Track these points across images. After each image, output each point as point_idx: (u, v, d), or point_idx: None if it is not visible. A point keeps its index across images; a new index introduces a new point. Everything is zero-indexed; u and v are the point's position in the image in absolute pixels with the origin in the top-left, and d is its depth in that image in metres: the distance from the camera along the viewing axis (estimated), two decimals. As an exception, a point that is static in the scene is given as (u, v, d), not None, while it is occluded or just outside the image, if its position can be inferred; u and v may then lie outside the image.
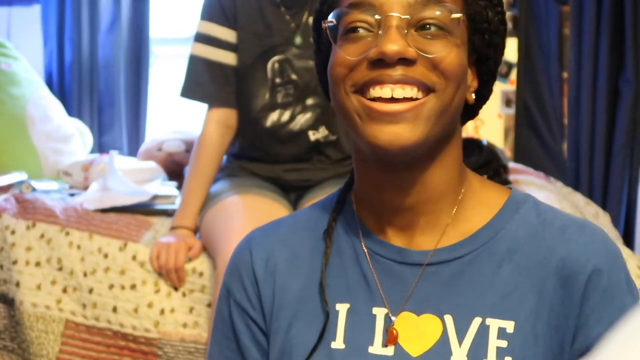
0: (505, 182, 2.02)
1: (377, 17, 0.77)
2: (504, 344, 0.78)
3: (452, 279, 0.82)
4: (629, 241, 2.73)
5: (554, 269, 0.81)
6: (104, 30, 3.05)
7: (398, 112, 0.76)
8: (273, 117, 1.90)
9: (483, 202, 0.85)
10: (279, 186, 1.95)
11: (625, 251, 1.80)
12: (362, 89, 0.78)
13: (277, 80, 1.88)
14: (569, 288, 0.80)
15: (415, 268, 0.83)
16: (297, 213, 0.96)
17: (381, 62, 0.76)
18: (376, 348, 0.82)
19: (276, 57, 1.88)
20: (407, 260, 0.84)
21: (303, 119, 1.90)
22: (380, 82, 0.76)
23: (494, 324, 0.79)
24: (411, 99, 0.76)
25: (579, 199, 2.39)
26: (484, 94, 0.87)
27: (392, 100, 0.76)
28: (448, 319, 0.81)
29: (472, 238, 0.83)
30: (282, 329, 0.86)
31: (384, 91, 0.76)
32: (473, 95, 0.84)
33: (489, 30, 0.82)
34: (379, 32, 0.77)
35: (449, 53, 0.77)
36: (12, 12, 3.16)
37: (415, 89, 0.76)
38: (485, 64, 0.84)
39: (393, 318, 0.82)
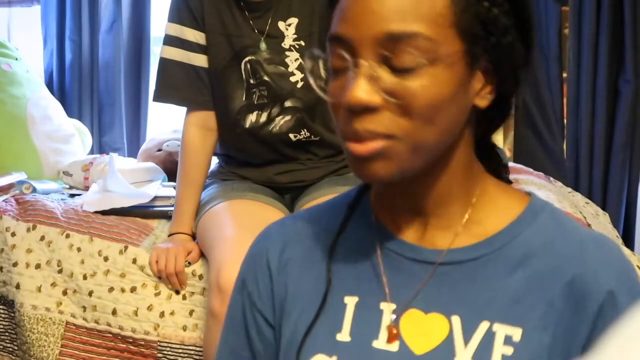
0: (507, 182, 2.02)
1: (349, 58, 0.76)
2: (509, 350, 0.78)
3: (463, 280, 0.82)
4: (628, 241, 2.73)
5: (567, 282, 0.80)
6: (104, 30, 3.04)
7: (367, 155, 0.76)
8: (251, 118, 1.88)
9: (500, 207, 0.85)
10: (273, 189, 1.95)
11: (625, 251, 1.80)
12: (344, 135, 0.79)
13: (251, 81, 1.86)
14: (581, 304, 0.79)
15: (426, 266, 0.83)
16: (314, 208, 0.98)
17: (350, 110, 0.76)
18: (380, 343, 0.82)
19: (248, 58, 1.85)
20: (419, 257, 0.84)
21: (282, 121, 1.87)
22: (352, 132, 0.77)
23: (501, 329, 0.79)
24: (378, 141, 0.76)
25: (579, 198, 2.39)
26: (505, 95, 0.82)
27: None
28: (455, 319, 0.81)
29: (487, 241, 0.83)
30: (293, 320, 0.88)
31: (356, 138, 0.77)
32: (488, 98, 0.80)
33: (496, 33, 0.78)
34: (351, 72, 0.76)
35: (418, 92, 0.74)
36: (12, 12, 3.16)
37: (377, 137, 0.76)
38: (499, 66, 0.79)
39: (393, 316, 0.83)
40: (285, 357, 0.87)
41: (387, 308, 0.83)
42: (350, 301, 0.85)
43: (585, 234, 0.84)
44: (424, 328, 0.81)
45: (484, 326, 0.79)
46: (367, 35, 0.74)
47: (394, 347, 0.82)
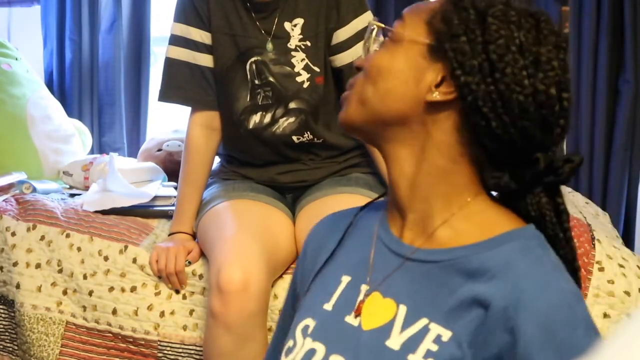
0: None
1: None
2: (434, 347, 0.87)
3: (421, 277, 0.92)
4: (628, 241, 2.73)
5: (501, 308, 0.84)
6: (104, 30, 3.04)
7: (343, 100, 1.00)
8: (255, 119, 1.87)
9: (479, 225, 0.92)
10: (275, 188, 1.95)
11: (624, 251, 1.80)
12: None
13: (256, 81, 1.85)
14: (499, 329, 0.83)
15: (398, 258, 0.95)
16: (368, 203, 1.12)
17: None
18: (350, 318, 0.96)
19: (253, 58, 1.85)
20: (396, 249, 0.96)
21: (286, 123, 1.87)
22: None
23: (435, 329, 0.88)
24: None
25: (579, 198, 2.39)
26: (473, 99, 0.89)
27: None
28: (402, 308, 0.91)
29: (450, 250, 0.91)
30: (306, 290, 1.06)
31: None
32: (435, 95, 0.91)
33: (441, 31, 0.92)
34: None
35: (375, 56, 0.96)
36: (12, 12, 3.16)
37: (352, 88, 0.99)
38: (455, 73, 0.90)
39: (363, 296, 0.96)
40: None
41: (363, 289, 0.97)
42: (345, 279, 1.00)
43: (541, 272, 0.86)
44: (378, 309, 0.94)
45: (422, 322, 0.89)
46: None
47: (356, 322, 0.95)
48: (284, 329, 1.09)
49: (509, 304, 0.83)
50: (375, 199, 1.11)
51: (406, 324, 0.89)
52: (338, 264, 1.03)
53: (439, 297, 0.89)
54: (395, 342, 0.89)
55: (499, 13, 0.90)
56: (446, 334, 0.86)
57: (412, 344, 0.88)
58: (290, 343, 0.99)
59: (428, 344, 0.87)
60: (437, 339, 0.86)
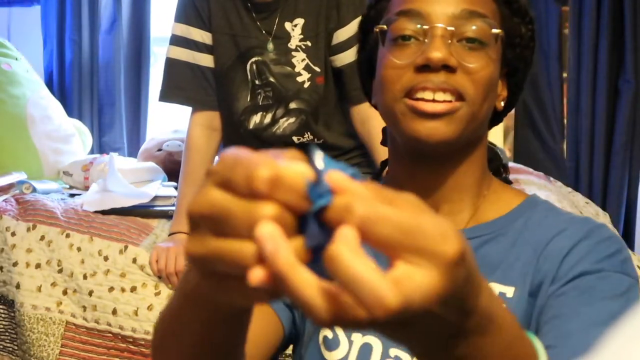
0: (506, 182, 2.01)
1: (424, 26, 0.86)
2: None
3: None
4: (628, 241, 2.73)
5: (548, 241, 0.89)
6: (104, 30, 3.05)
7: (438, 112, 0.85)
8: (255, 119, 1.88)
9: (502, 200, 0.96)
10: None
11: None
12: (409, 92, 0.86)
13: (256, 82, 1.86)
14: (554, 255, 0.88)
15: None
16: None
17: (426, 68, 0.85)
18: None
19: (254, 59, 1.85)
20: None
21: (286, 123, 1.87)
22: (424, 87, 0.85)
23: (496, 288, 0.88)
24: (449, 102, 0.86)
25: (579, 198, 2.39)
26: (510, 104, 0.98)
27: (433, 101, 0.85)
28: None
29: (489, 224, 0.93)
30: None
31: (426, 94, 0.85)
32: (502, 104, 0.95)
33: (521, 45, 0.93)
34: (425, 40, 0.86)
35: (485, 66, 0.87)
36: (12, 12, 3.17)
37: (450, 95, 0.85)
38: (514, 76, 0.95)
39: None
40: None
41: None
42: None
43: (577, 215, 0.94)
44: None
45: None
46: (444, 10, 0.87)
47: None
48: None
49: (561, 234, 0.88)
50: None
51: None
52: None
53: (490, 265, 0.90)
54: None
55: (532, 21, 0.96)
56: (509, 290, 0.87)
57: None
58: (326, 333, 0.94)
59: None
60: (502, 297, 0.87)
